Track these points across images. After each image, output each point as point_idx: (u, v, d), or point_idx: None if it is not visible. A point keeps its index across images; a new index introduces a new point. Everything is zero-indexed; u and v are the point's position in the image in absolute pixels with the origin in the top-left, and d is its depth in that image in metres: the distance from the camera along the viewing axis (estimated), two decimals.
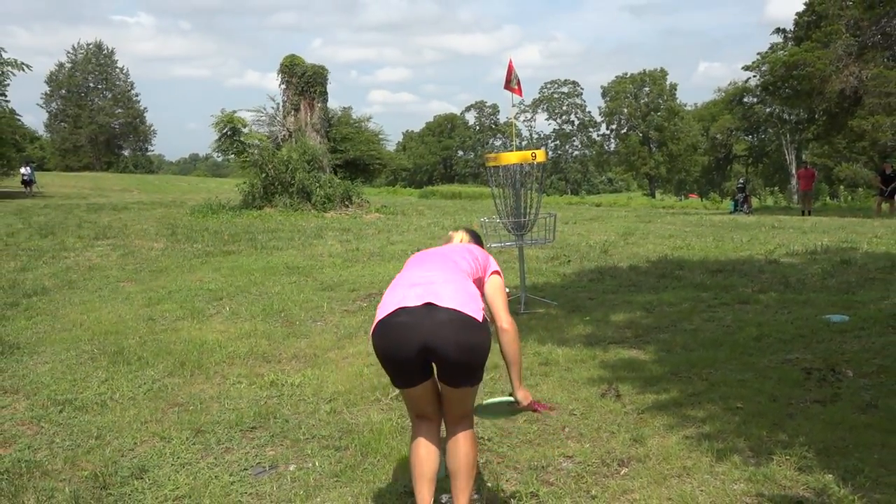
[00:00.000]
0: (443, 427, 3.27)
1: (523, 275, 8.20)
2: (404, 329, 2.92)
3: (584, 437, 4.28)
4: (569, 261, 11.00)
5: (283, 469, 3.98)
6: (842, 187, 45.96)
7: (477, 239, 3.71)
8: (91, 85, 71.43)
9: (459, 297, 2.96)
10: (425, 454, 3.13)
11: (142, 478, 3.90)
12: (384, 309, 3.01)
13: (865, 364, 5.36)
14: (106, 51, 72.13)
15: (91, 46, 71.51)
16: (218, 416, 4.77)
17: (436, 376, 3.13)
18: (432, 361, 3.02)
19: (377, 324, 3.02)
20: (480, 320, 2.96)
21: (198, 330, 7.11)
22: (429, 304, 2.93)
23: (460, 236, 3.69)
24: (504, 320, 3.16)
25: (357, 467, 3.94)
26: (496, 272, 3.35)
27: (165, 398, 5.17)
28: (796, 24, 32.57)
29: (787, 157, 59.52)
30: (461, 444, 3.12)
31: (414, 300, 2.96)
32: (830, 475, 3.58)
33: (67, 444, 4.39)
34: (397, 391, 3.52)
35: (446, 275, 3.09)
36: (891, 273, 8.99)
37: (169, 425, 4.63)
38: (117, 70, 72.52)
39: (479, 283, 3.26)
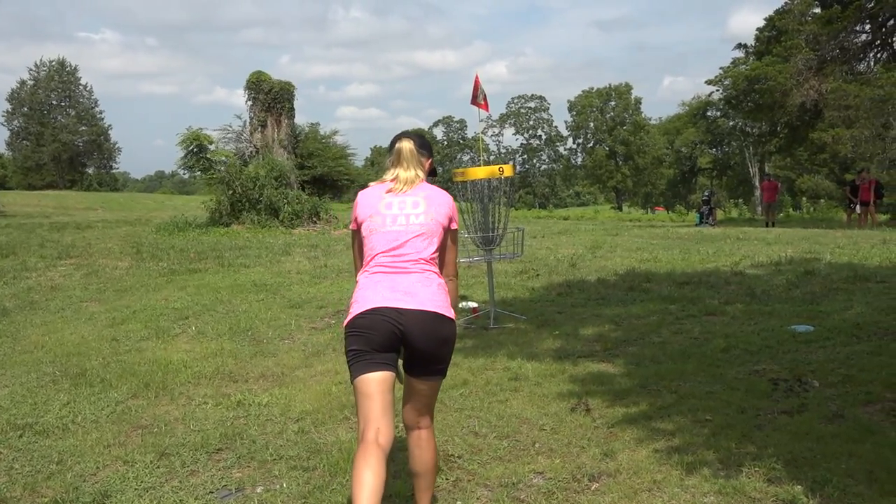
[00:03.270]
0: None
1: (492, 289, 8.19)
2: (383, 316, 3.00)
3: (554, 452, 4.26)
4: (537, 275, 11.02)
5: (251, 491, 3.91)
6: (804, 199, 46.74)
7: (425, 147, 3.41)
8: (54, 102, 70.32)
9: (437, 300, 3.07)
10: (373, 480, 2.83)
11: (104, 503, 3.80)
12: (364, 304, 3.04)
13: (831, 374, 5.41)
14: (69, 68, 71.12)
15: (54, 63, 70.49)
16: (183, 438, 4.68)
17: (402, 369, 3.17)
18: (405, 347, 3.07)
19: (357, 315, 3.04)
20: (453, 317, 3.13)
21: (163, 350, 7.00)
22: (407, 308, 3.02)
23: (409, 161, 3.26)
24: (451, 272, 3.35)
25: (325, 488, 3.89)
26: (455, 227, 3.33)
27: (129, 421, 5.07)
28: (757, 39, 33.16)
29: (750, 169, 60.54)
30: (425, 444, 3.20)
31: (394, 302, 3.02)
32: (799, 486, 3.59)
33: (27, 469, 4.28)
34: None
35: (421, 277, 3.10)
36: (853, 283, 9.13)
37: (132, 448, 4.53)
38: (81, 87, 71.52)
39: (442, 235, 3.24)
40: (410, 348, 3.06)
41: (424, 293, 3.05)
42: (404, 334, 3.01)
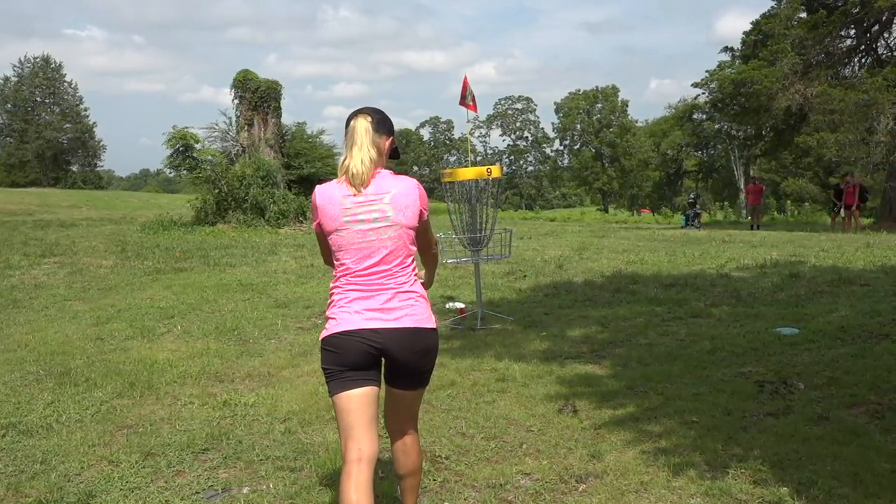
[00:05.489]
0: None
1: (479, 290, 8.19)
2: (359, 337, 2.91)
3: (541, 453, 4.26)
4: (524, 276, 11.04)
5: (237, 492, 3.89)
6: (789, 202, 47.02)
7: (384, 123, 3.12)
8: (38, 99, 69.74)
9: (415, 313, 2.99)
10: (360, 501, 2.80)
11: (89, 503, 3.78)
12: (340, 324, 2.94)
13: (816, 376, 5.45)
14: (54, 64, 70.58)
15: (38, 60, 69.94)
16: (169, 438, 4.65)
17: (385, 382, 3.09)
18: (385, 361, 3.00)
19: (333, 334, 2.94)
20: (434, 326, 3.06)
21: (148, 349, 6.95)
22: (384, 328, 2.93)
23: (363, 141, 3.02)
24: (430, 246, 3.35)
25: (312, 489, 3.87)
26: (426, 217, 3.12)
27: (114, 420, 5.03)
28: (743, 42, 33.25)
29: (735, 172, 60.87)
30: (410, 449, 3.19)
31: (370, 322, 2.92)
32: (785, 488, 3.61)
33: (11, 469, 4.24)
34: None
35: (398, 291, 2.98)
36: (838, 286, 9.19)
37: (117, 448, 4.50)
38: (66, 84, 71.03)
39: (414, 234, 3.07)
40: (391, 363, 3.00)
41: (401, 308, 2.96)
42: (383, 352, 2.94)
